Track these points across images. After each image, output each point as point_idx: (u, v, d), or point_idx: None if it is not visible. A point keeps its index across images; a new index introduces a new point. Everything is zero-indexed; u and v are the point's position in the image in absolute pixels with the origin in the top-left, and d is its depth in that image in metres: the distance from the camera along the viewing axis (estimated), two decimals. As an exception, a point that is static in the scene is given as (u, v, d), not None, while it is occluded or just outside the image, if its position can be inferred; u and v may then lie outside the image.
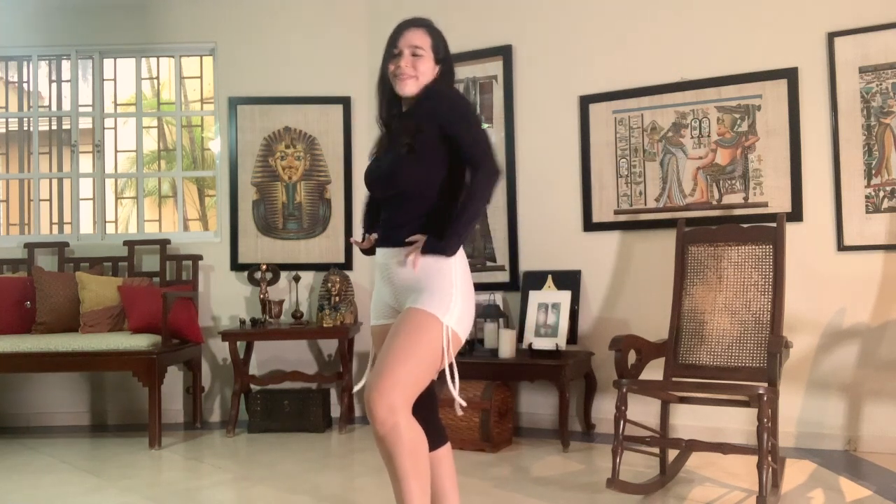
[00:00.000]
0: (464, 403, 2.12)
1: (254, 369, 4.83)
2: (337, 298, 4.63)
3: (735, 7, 4.05)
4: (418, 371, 2.01)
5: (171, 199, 10.96)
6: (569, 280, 4.28)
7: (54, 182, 5.39)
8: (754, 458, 2.75)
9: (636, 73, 4.27)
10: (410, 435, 1.96)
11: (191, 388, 4.81)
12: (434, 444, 2.17)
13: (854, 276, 3.76)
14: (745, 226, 3.53)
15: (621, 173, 4.32)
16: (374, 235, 2.26)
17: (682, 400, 3.31)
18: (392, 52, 2.18)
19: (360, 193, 5.03)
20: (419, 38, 2.17)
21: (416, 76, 2.15)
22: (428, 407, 2.17)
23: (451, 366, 2.07)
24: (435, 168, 2.11)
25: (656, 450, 3.24)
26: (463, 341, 2.14)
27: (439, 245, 2.06)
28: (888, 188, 3.73)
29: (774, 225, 3.35)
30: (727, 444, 2.84)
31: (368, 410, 1.96)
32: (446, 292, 2.06)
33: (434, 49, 2.18)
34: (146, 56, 5.57)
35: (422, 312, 2.04)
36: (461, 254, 2.12)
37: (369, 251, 2.30)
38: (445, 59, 2.21)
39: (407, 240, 2.10)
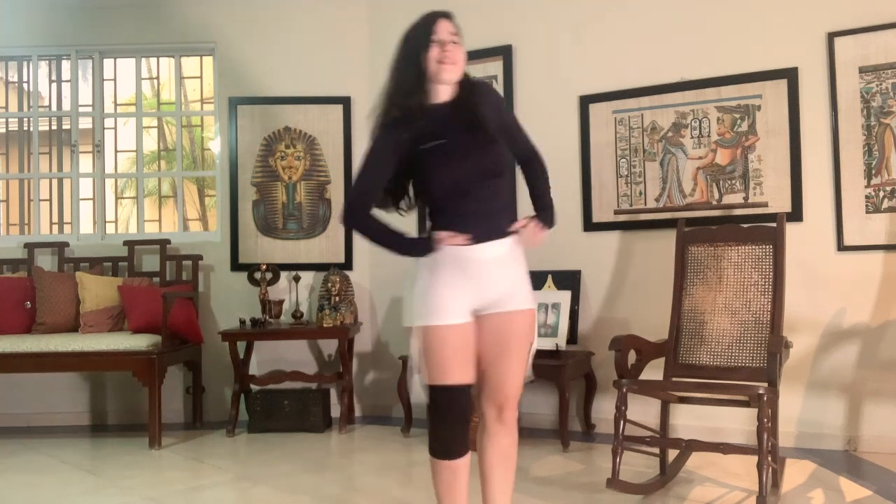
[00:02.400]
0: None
1: (254, 369, 4.82)
2: (337, 298, 4.63)
3: (735, 7, 4.05)
4: None
5: (171, 199, 10.95)
6: (569, 280, 4.28)
7: (54, 182, 5.39)
8: (754, 458, 2.75)
9: (636, 73, 4.27)
10: None
11: (191, 388, 4.81)
12: (467, 449, 2.19)
13: (854, 276, 3.76)
14: (745, 226, 3.53)
15: (621, 173, 4.32)
16: (448, 234, 2.13)
17: (682, 400, 3.31)
18: (430, 39, 2.17)
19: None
20: (453, 28, 2.22)
21: (458, 63, 2.21)
22: (469, 412, 2.18)
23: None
24: (508, 157, 2.25)
25: (656, 450, 3.24)
26: None
27: (549, 222, 2.24)
28: (888, 188, 3.73)
29: (774, 225, 3.35)
30: (727, 444, 2.84)
31: (504, 419, 2.20)
32: (529, 281, 2.25)
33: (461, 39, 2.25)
34: (146, 56, 5.57)
35: (531, 312, 2.21)
36: None
37: (427, 250, 2.17)
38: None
39: (513, 228, 2.17)
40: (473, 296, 2.14)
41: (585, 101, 4.41)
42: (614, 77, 4.33)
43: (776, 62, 3.94)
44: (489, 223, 2.15)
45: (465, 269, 2.12)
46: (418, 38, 2.19)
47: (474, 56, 4.65)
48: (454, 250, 2.12)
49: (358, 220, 2.23)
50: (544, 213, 2.24)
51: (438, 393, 2.13)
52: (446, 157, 2.15)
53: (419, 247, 2.19)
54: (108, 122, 5.63)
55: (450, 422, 2.15)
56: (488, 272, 2.13)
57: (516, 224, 2.16)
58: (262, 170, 5.00)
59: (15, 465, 3.92)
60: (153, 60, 6.56)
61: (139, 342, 4.17)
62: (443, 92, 2.21)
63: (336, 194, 4.99)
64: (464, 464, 2.19)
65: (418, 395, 2.22)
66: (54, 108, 5.35)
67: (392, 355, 4.88)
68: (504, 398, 2.18)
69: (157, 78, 7.95)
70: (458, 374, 2.12)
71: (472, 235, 2.12)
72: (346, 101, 5.00)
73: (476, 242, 2.12)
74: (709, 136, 4.10)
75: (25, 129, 5.60)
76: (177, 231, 5.66)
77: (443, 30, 2.18)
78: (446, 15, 2.23)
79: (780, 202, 3.91)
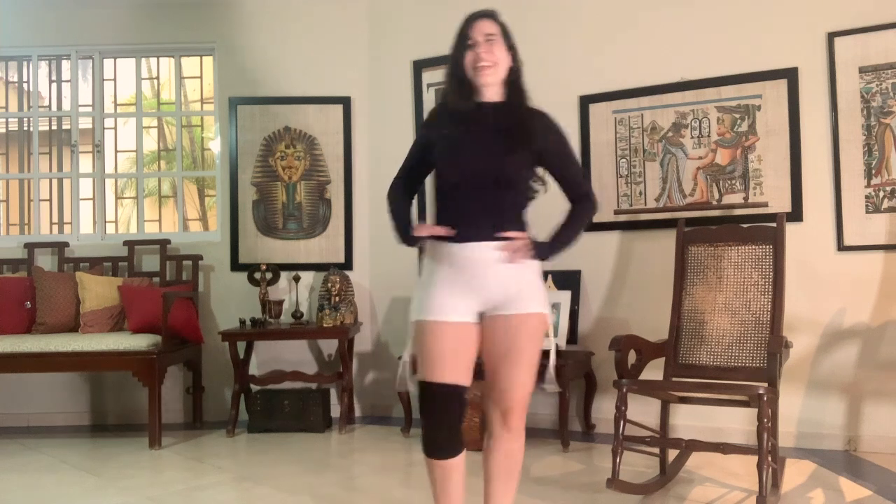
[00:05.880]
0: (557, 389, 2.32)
1: (254, 369, 4.82)
2: (337, 298, 4.63)
3: (735, 7, 4.05)
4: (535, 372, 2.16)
5: (171, 199, 10.95)
6: (569, 280, 4.28)
7: (54, 182, 5.39)
8: (754, 458, 2.75)
9: (636, 73, 4.27)
10: None
11: (191, 388, 4.81)
12: (458, 450, 2.17)
13: (854, 276, 3.76)
14: (745, 226, 3.53)
15: (621, 173, 4.32)
16: (428, 225, 2.18)
17: (682, 400, 3.31)
18: (466, 43, 2.19)
19: (360, 193, 5.05)
20: (490, 27, 2.21)
21: (495, 63, 2.18)
22: (462, 413, 2.18)
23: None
24: (531, 174, 2.21)
25: (656, 450, 3.24)
26: None
27: (542, 252, 2.16)
28: (888, 188, 3.73)
29: (774, 225, 3.35)
30: (727, 444, 2.85)
31: (508, 425, 2.14)
32: (541, 284, 2.20)
33: (504, 35, 2.23)
34: (146, 56, 5.57)
35: (539, 316, 2.14)
36: None
37: (415, 241, 2.21)
38: (514, 47, 2.26)
39: (504, 234, 2.11)
40: (469, 295, 2.11)
41: (585, 101, 4.41)
42: (614, 77, 4.33)
43: (776, 62, 3.94)
44: (480, 225, 2.11)
45: (457, 267, 2.12)
46: (457, 43, 2.22)
47: (474, 56, 4.66)
48: (448, 248, 2.12)
49: (390, 196, 2.33)
50: (550, 243, 2.19)
51: (426, 390, 2.10)
52: (457, 151, 2.17)
53: (405, 236, 2.22)
54: (108, 122, 5.63)
55: (436, 420, 2.12)
56: (482, 273, 2.10)
57: (509, 233, 2.11)
58: (262, 170, 5.00)
59: (15, 465, 3.92)
60: (153, 60, 6.55)
61: (139, 342, 4.18)
62: (490, 92, 2.21)
63: (336, 194, 4.99)
64: (454, 465, 2.15)
65: (402, 387, 2.25)
66: (54, 108, 5.35)
67: (392, 355, 4.88)
68: (508, 404, 2.13)
69: (157, 78, 7.94)
70: (448, 373, 2.09)
71: (460, 233, 2.11)
72: (346, 101, 5.00)
73: (463, 241, 2.11)
74: (709, 136, 4.10)
75: (25, 129, 5.60)
76: (177, 231, 5.66)
77: (478, 31, 2.19)
78: (485, 14, 2.23)
79: (780, 202, 3.91)
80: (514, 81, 2.23)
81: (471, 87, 2.20)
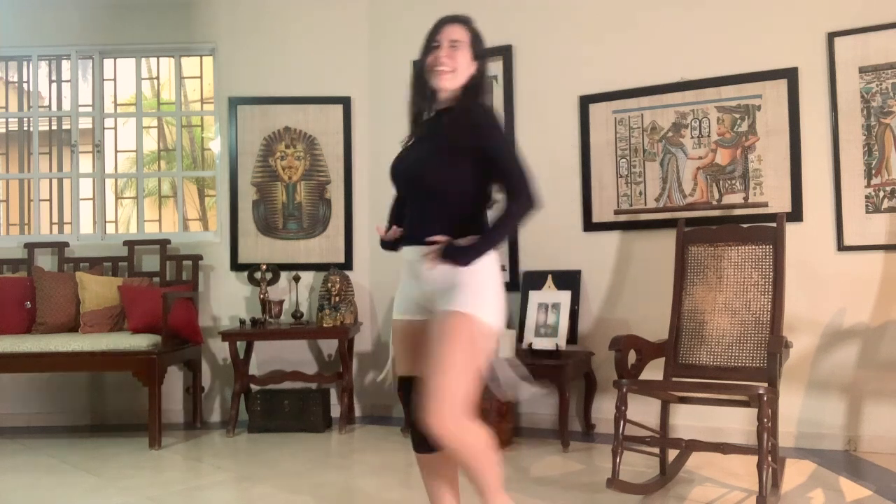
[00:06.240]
0: (531, 391, 2.25)
1: (254, 369, 4.82)
2: (337, 298, 4.63)
3: (735, 7, 4.05)
4: (468, 375, 2.01)
5: (171, 199, 10.95)
6: (569, 280, 4.28)
7: (54, 182, 5.39)
8: (754, 458, 2.76)
9: (636, 73, 4.27)
10: (476, 438, 2.02)
11: (191, 388, 4.81)
12: (431, 447, 2.16)
13: (854, 276, 3.76)
14: (745, 226, 3.53)
15: (621, 173, 4.32)
16: (396, 228, 2.27)
17: (682, 400, 3.31)
18: (431, 45, 2.19)
19: (360, 193, 5.06)
20: (458, 33, 2.18)
21: (455, 69, 2.14)
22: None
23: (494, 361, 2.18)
24: (462, 177, 2.11)
25: (656, 450, 3.24)
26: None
27: (459, 256, 2.04)
28: (888, 188, 3.73)
29: (774, 225, 3.35)
30: (727, 444, 2.84)
31: (432, 435, 1.98)
32: (479, 286, 2.06)
33: (472, 44, 2.19)
34: (146, 56, 5.57)
35: (458, 315, 2.01)
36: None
37: (389, 245, 2.29)
38: (482, 57, 2.22)
39: (428, 239, 2.07)
40: (413, 295, 2.19)
41: (585, 101, 4.41)
42: (614, 77, 4.33)
43: (776, 62, 3.94)
44: (415, 229, 2.16)
45: (407, 268, 2.21)
46: (424, 46, 2.21)
47: (474, 56, 4.66)
48: (403, 251, 2.22)
49: (392, 204, 2.38)
50: (467, 247, 2.05)
51: (398, 384, 2.25)
52: (399, 161, 2.25)
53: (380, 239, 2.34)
54: (108, 122, 5.63)
55: (408, 413, 2.24)
56: (416, 274, 2.14)
57: (434, 237, 2.06)
58: (262, 170, 5.00)
59: (15, 465, 3.92)
60: (153, 60, 6.56)
61: (139, 342, 4.18)
62: (446, 98, 2.19)
63: (336, 194, 4.99)
64: (434, 461, 2.19)
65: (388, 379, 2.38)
66: (54, 108, 5.35)
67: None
68: (422, 411, 1.98)
69: (157, 78, 7.95)
70: (408, 367, 2.20)
71: (403, 236, 2.21)
72: (346, 101, 5.00)
73: (405, 244, 2.20)
74: (709, 136, 4.10)
75: (25, 129, 5.60)
76: (177, 231, 5.66)
77: (445, 35, 2.17)
78: (456, 19, 2.21)
79: (780, 202, 3.91)
80: (471, 87, 2.17)
81: (432, 92, 2.19)
